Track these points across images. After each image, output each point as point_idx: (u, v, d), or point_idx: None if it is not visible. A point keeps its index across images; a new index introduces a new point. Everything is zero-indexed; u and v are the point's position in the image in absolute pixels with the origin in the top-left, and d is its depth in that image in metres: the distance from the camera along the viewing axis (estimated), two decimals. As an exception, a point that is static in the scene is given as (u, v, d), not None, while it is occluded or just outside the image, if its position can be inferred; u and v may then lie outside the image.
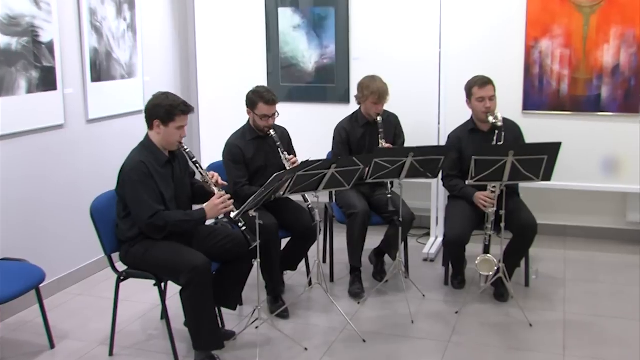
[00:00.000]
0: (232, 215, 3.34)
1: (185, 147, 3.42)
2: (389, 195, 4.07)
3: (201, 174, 3.45)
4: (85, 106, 4.49)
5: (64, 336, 3.70)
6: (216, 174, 3.49)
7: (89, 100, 4.50)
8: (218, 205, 3.35)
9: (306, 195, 3.84)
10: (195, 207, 3.49)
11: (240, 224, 3.36)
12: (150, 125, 3.38)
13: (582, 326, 3.74)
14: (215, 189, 3.41)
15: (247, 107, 4.01)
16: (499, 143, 3.96)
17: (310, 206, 3.84)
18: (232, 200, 3.39)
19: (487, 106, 4.05)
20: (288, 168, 3.84)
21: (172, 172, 3.43)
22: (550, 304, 4.02)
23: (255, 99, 3.96)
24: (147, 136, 3.42)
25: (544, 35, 4.68)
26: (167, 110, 3.31)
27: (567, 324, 3.74)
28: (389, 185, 4.09)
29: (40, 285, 3.44)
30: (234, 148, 4.01)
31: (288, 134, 4.26)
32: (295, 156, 4.15)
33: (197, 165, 3.46)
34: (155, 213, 3.25)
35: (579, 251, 4.95)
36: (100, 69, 4.60)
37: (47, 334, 3.57)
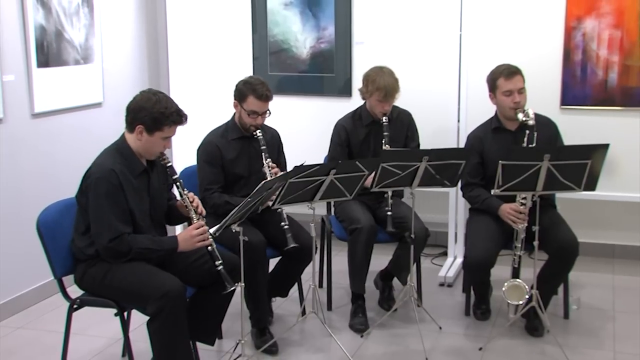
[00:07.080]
0: (212, 230, 3.35)
1: (167, 161, 3.43)
2: (389, 213, 4.07)
3: (181, 195, 3.46)
4: (29, 97, 4.48)
5: (-1, 380, 3.70)
6: (197, 198, 3.50)
7: (34, 89, 4.48)
8: (194, 237, 3.36)
9: (284, 213, 3.84)
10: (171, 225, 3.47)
11: (217, 262, 3.36)
12: (131, 128, 3.36)
13: (635, 368, 3.74)
14: (194, 217, 3.42)
15: (235, 99, 4.03)
16: (529, 145, 3.95)
17: (286, 227, 3.82)
18: (210, 232, 3.39)
19: (516, 101, 4.05)
20: (269, 178, 3.82)
21: (148, 183, 3.44)
22: (596, 341, 4.00)
23: (245, 90, 3.97)
24: (123, 138, 3.40)
25: (588, 13, 4.65)
26: (155, 118, 3.30)
27: (617, 366, 3.75)
28: (389, 200, 4.09)
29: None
30: (210, 147, 4.03)
31: (279, 137, 4.28)
32: (286, 164, 4.17)
33: (177, 184, 3.46)
34: (118, 236, 3.24)
35: (631, 276, 4.94)
36: (49, 52, 4.58)
37: (-23, 378, 3.55)
